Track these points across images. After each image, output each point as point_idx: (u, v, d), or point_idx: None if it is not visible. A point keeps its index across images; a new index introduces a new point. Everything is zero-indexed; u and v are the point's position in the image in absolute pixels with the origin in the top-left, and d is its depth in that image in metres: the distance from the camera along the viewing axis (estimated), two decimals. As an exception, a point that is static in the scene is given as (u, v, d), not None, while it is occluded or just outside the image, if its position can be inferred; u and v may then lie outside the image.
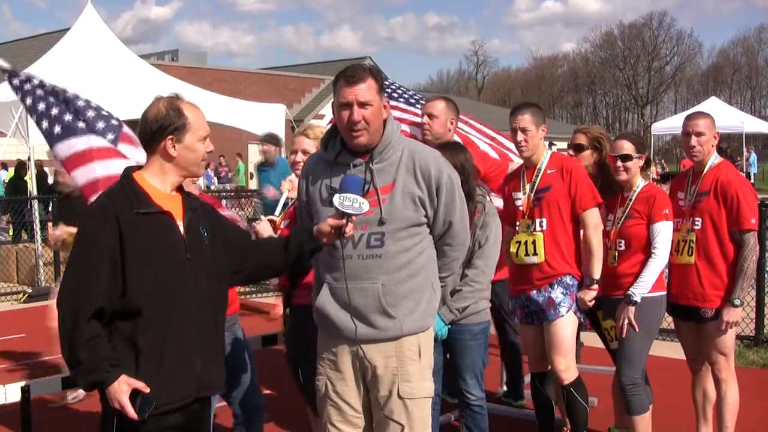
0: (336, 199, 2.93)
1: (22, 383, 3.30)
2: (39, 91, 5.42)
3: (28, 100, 5.37)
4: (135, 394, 2.66)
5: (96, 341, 2.66)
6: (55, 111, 5.28)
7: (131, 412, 2.64)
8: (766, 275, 7.53)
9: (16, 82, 5.48)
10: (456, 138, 5.05)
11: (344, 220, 2.93)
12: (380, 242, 3.02)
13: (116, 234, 2.70)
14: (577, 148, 4.81)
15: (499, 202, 4.72)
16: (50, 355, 6.77)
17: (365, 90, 2.98)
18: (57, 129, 5.18)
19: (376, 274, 3.02)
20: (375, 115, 3.00)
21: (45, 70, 12.08)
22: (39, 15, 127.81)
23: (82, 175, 5.00)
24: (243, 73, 36.85)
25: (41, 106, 5.31)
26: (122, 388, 2.64)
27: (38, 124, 5.29)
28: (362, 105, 2.97)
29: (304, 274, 3.64)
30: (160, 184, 2.86)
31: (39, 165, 16.92)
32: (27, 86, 5.46)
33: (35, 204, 11.76)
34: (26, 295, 10.69)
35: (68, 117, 5.21)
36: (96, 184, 4.95)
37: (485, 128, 6.12)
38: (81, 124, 5.16)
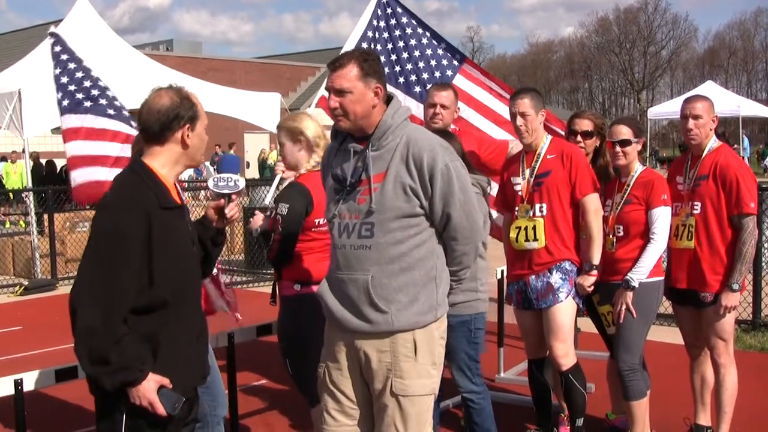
0: (210, 182, 2.97)
1: (16, 376, 3.26)
2: (70, 65, 6.14)
3: (57, 70, 6.08)
4: (158, 391, 2.60)
5: (125, 340, 2.56)
6: (71, 87, 5.98)
7: (161, 410, 2.58)
8: (763, 259, 7.53)
9: (56, 48, 6.30)
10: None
11: (222, 201, 2.94)
12: (370, 232, 2.95)
13: (147, 228, 2.60)
14: (586, 135, 4.71)
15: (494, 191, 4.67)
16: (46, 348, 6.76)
17: (342, 78, 2.93)
18: (65, 102, 5.89)
19: (366, 265, 2.95)
20: (353, 102, 2.93)
21: (38, 61, 12.01)
22: (35, 5, 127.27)
23: (71, 149, 5.66)
24: (238, 62, 36.75)
25: (64, 79, 6.02)
26: (151, 386, 2.58)
27: (57, 92, 6.02)
28: (338, 92, 2.94)
29: (286, 263, 3.75)
30: (169, 175, 2.79)
31: (35, 157, 16.85)
32: (63, 56, 6.20)
33: (30, 196, 11.70)
34: (23, 287, 10.66)
35: (79, 96, 5.88)
36: (79, 160, 5.43)
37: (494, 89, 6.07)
38: (86, 104, 5.77)
